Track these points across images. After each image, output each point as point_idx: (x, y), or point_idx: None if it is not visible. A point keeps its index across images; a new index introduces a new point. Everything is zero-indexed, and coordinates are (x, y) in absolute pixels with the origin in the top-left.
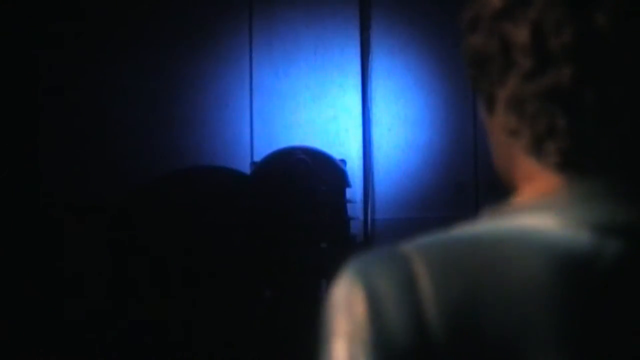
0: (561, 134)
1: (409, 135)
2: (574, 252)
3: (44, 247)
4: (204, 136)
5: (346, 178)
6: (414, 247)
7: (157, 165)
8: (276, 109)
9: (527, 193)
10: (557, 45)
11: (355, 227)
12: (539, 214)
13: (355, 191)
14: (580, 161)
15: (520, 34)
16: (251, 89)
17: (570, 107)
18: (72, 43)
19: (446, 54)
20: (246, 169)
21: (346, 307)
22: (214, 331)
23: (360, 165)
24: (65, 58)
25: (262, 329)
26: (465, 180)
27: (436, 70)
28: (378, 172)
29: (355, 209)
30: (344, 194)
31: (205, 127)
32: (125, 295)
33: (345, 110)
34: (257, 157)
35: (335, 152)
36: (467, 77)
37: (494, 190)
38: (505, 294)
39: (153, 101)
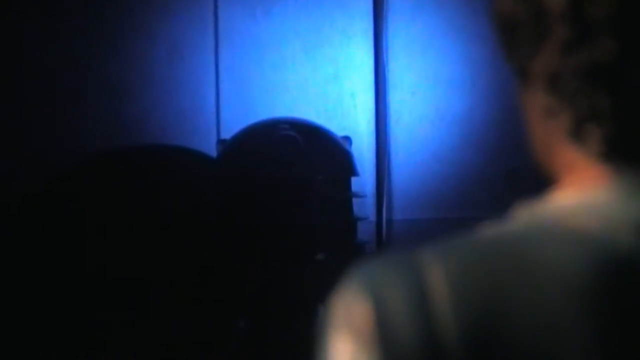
0: (605, 117)
1: (440, 102)
2: (615, 257)
3: None
4: (151, 103)
5: (351, 163)
6: (431, 253)
7: (87, 143)
8: (252, 65)
9: (566, 186)
10: (599, 14)
11: (365, 231)
12: (578, 212)
13: (364, 181)
14: (627, 150)
15: None
16: (217, 37)
17: (615, 86)
18: None
19: None
20: (212, 150)
21: (349, 323)
22: None
23: (372, 144)
24: None
25: None
26: (518, 165)
27: (478, 9)
28: (396, 155)
29: (364, 207)
30: (348, 185)
31: (153, 90)
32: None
33: (351, 67)
34: (226, 134)
35: (337, 127)
36: (496, 43)
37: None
38: (535, 303)
39: (82, 56)
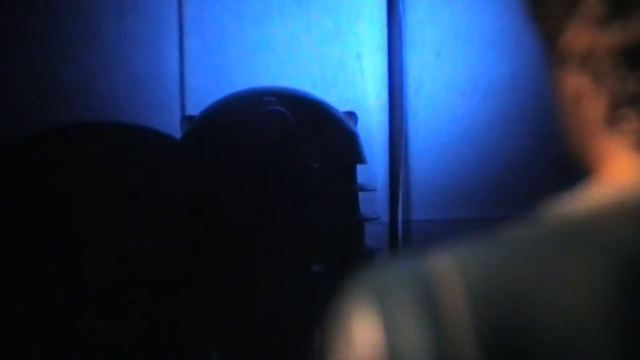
0: None
1: (473, 66)
2: None
3: None
4: (96, 68)
5: (357, 147)
6: (449, 259)
7: (13, 118)
8: (227, 19)
9: (599, 180)
10: None
11: (375, 234)
12: (612, 211)
13: (374, 171)
14: None
15: None
16: None
17: None
18: None
19: None
20: (175, 129)
21: (353, 340)
22: None
23: (385, 122)
24: None
25: None
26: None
27: None
28: (416, 136)
29: (374, 203)
30: (352, 175)
31: (98, 50)
32: None
33: (356, 20)
34: (193, 109)
35: (338, 100)
36: (522, 10)
37: None
38: (559, 316)
39: (6, 8)
